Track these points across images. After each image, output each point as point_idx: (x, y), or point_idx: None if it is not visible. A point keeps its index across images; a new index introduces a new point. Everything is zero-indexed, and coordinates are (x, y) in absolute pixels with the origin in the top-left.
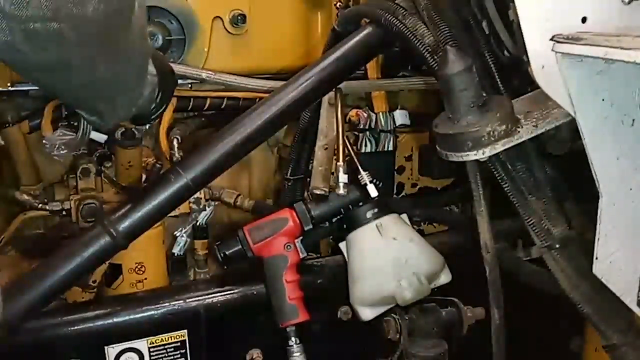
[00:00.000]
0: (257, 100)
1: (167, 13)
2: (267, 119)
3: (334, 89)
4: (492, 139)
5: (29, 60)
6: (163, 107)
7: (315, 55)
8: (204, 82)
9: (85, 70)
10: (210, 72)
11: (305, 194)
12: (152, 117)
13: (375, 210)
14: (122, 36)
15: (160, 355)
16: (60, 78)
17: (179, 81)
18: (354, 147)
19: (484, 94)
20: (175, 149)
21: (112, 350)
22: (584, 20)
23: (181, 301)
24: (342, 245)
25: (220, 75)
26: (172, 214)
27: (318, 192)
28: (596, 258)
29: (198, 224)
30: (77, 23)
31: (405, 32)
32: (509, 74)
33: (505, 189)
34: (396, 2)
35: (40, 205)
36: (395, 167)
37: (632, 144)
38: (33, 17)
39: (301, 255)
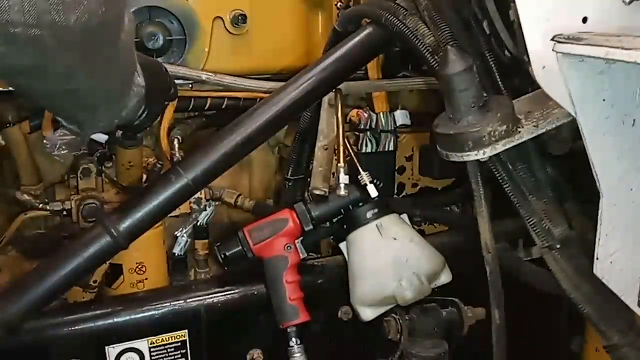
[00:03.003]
0: (257, 100)
1: (168, 13)
2: (268, 119)
3: (334, 90)
4: (493, 139)
5: (6, 63)
6: (149, 121)
7: (315, 56)
8: (204, 83)
9: (63, 78)
10: (210, 74)
11: (306, 194)
12: (137, 130)
13: (376, 210)
14: (106, 50)
15: (161, 355)
16: (38, 83)
17: (179, 82)
18: (354, 147)
19: (485, 94)
20: (176, 149)
21: (112, 351)
22: (584, 20)
23: (182, 301)
24: (343, 246)
25: (220, 76)
26: (173, 214)
27: (318, 192)
28: (597, 258)
29: (199, 224)
30: (58, 31)
31: (406, 32)
32: (510, 74)
33: (506, 189)
34: (397, 2)
35: (40, 205)
36: (396, 167)
37: (633, 144)
38: (14, 21)
39: (301, 256)
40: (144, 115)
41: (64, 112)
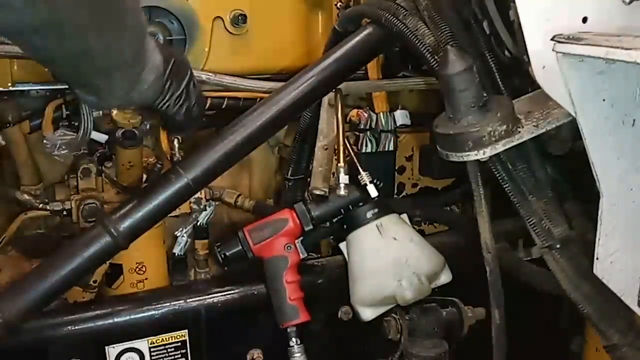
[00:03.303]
0: (257, 100)
1: (168, 13)
2: (268, 119)
3: (334, 90)
4: (493, 139)
5: (21, 21)
6: (189, 112)
7: (315, 56)
8: (204, 83)
9: (78, 34)
10: (210, 74)
11: (306, 194)
12: (181, 121)
13: (376, 210)
14: (113, 3)
15: (161, 355)
16: (54, 42)
17: None
18: (354, 147)
19: (485, 94)
20: (176, 149)
21: (112, 350)
22: (584, 20)
23: (182, 301)
24: (343, 246)
25: (220, 77)
26: (173, 214)
27: (318, 192)
28: (597, 258)
29: (199, 224)
30: None
31: (406, 32)
32: (510, 74)
33: (506, 189)
34: (397, 2)
35: (40, 205)
36: (396, 167)
37: (633, 144)
38: None
39: (301, 256)
40: (168, 96)
41: (80, 78)
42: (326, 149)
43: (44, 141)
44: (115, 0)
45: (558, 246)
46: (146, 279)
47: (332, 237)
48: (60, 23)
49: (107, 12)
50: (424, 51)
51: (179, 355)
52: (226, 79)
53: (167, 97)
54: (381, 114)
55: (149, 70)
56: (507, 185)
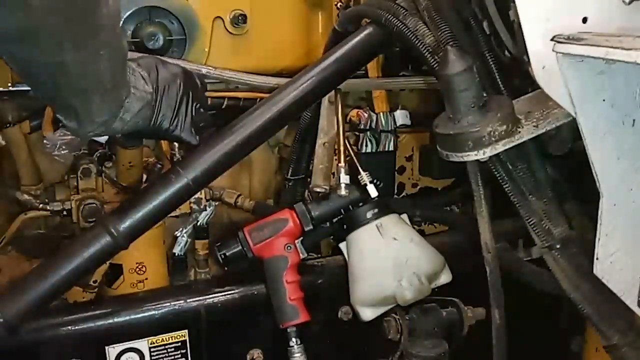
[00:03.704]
0: (257, 100)
1: (168, 13)
2: (268, 119)
3: (334, 89)
4: (493, 139)
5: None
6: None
7: (315, 56)
8: (204, 77)
9: (53, 44)
10: (210, 68)
11: (306, 194)
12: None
13: (376, 210)
14: (89, 17)
15: (161, 355)
16: (31, 52)
17: None
18: (354, 147)
19: (485, 94)
20: (176, 149)
21: (112, 351)
22: (584, 20)
23: (182, 301)
24: (343, 246)
25: (221, 71)
26: (173, 214)
27: (318, 189)
28: (597, 258)
29: (199, 224)
30: None
31: (406, 32)
32: (510, 74)
33: (506, 189)
34: (397, 2)
35: (41, 205)
36: (396, 167)
37: (633, 144)
38: None
39: (301, 256)
40: (160, 121)
41: (59, 98)
42: (327, 146)
43: (44, 141)
44: (92, 13)
45: (558, 246)
46: (146, 279)
47: (332, 237)
48: (35, 31)
49: (82, 24)
50: (424, 51)
51: (179, 355)
52: (226, 73)
53: (159, 121)
54: (381, 114)
55: (134, 100)
56: (507, 185)
